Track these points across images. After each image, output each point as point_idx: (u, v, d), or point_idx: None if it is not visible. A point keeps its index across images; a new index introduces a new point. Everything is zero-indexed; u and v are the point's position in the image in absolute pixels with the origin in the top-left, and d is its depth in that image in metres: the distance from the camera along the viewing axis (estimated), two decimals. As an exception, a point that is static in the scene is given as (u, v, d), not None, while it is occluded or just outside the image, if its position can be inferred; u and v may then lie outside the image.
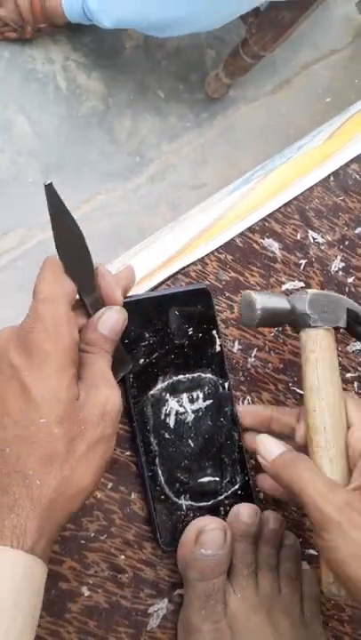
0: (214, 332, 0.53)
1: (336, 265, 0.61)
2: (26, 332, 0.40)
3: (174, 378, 0.52)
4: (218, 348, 0.54)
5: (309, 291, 0.50)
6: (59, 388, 0.39)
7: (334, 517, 0.42)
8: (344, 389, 0.58)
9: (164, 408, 0.52)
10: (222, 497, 0.53)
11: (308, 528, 0.57)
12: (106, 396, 0.41)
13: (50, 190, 0.42)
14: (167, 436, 0.52)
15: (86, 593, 0.49)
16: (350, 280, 0.61)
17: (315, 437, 0.48)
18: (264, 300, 0.49)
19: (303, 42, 1.71)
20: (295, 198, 0.60)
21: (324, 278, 0.60)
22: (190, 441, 0.52)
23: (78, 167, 1.44)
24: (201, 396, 0.53)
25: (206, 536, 0.49)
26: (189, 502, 0.52)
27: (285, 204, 0.60)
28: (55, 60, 1.45)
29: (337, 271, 0.61)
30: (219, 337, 0.54)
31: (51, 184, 0.42)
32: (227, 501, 0.53)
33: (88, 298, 0.45)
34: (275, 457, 0.47)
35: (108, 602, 0.50)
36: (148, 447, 0.51)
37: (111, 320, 0.44)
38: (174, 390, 0.52)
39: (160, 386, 0.52)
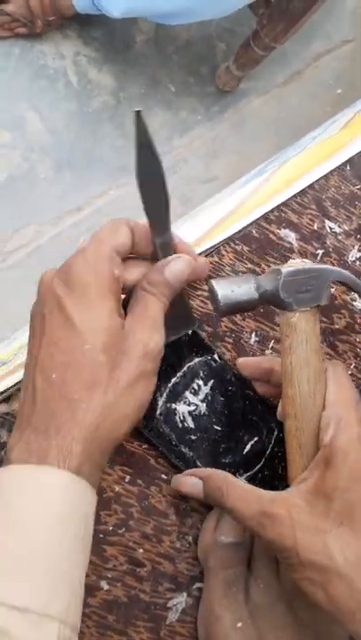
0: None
1: (353, 255, 0.60)
2: (68, 266, 0.42)
3: (169, 385, 0.52)
4: (189, 331, 0.53)
5: (284, 270, 0.45)
6: (100, 316, 0.41)
7: (252, 528, 0.42)
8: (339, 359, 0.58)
9: (177, 417, 0.52)
10: (270, 449, 0.53)
11: (328, 521, 0.56)
12: (150, 335, 0.42)
13: (139, 118, 0.41)
14: (194, 437, 0.52)
15: (105, 587, 0.49)
16: (368, 270, 0.60)
17: (287, 423, 0.46)
18: (226, 292, 0.44)
19: (314, 33, 1.70)
20: (311, 187, 0.59)
21: (341, 268, 0.59)
22: (216, 426, 0.52)
23: (90, 162, 1.44)
24: (201, 383, 0.53)
25: (225, 522, 0.49)
26: (246, 474, 0.52)
27: (301, 194, 0.59)
28: (66, 56, 1.44)
29: (354, 261, 0.60)
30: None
31: (140, 112, 0.41)
32: (276, 449, 0.54)
33: (159, 238, 0.45)
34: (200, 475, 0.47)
35: (127, 596, 0.49)
36: (184, 459, 0.51)
37: (178, 267, 0.45)
38: (176, 395, 0.52)
39: (161, 402, 0.51)
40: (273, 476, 0.54)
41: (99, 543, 0.49)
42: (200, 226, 0.57)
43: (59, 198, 1.39)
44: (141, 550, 0.50)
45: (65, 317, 0.41)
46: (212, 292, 0.45)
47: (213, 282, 0.45)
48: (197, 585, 0.51)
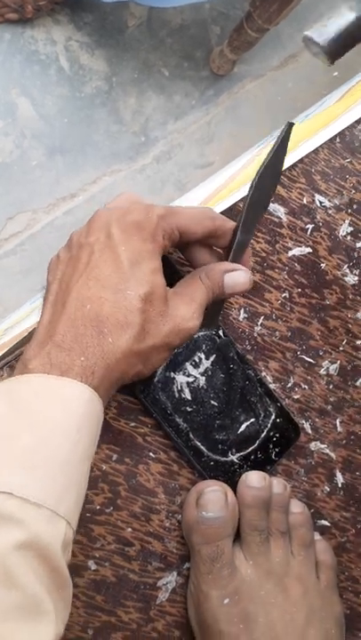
0: None
1: (344, 229, 0.59)
2: (131, 212, 0.44)
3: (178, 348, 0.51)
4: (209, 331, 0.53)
5: None
6: (148, 271, 0.42)
7: None
8: (354, 357, 0.57)
9: (175, 386, 0.51)
10: (265, 433, 0.53)
11: (320, 498, 0.55)
12: (191, 315, 0.44)
13: (289, 131, 0.46)
14: (189, 409, 0.51)
15: (93, 567, 0.48)
16: (359, 244, 0.59)
17: None
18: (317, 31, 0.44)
19: (308, 15, 1.68)
20: (300, 161, 0.58)
21: (331, 243, 0.58)
22: (213, 401, 0.52)
23: (83, 148, 1.42)
24: (203, 356, 0.52)
25: (206, 497, 0.48)
26: (238, 454, 0.52)
27: (290, 168, 0.58)
28: (57, 41, 1.43)
29: (345, 235, 0.59)
30: None
31: (293, 124, 0.46)
32: (271, 434, 0.53)
33: (241, 235, 0.47)
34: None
35: (115, 575, 0.49)
36: (177, 429, 0.51)
37: (238, 280, 0.47)
38: (175, 365, 0.51)
39: (160, 369, 0.51)
40: (266, 459, 0.53)
41: (86, 523, 0.48)
42: (189, 202, 0.56)
43: (52, 185, 1.38)
44: (130, 529, 0.49)
45: (115, 259, 0.42)
46: (309, 45, 0.44)
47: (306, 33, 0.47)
48: (188, 564, 0.51)
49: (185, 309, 0.44)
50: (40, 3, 1.33)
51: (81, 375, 0.39)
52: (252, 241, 0.56)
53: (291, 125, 0.46)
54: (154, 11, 1.51)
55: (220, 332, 0.53)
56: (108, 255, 0.42)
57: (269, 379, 0.55)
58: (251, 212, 0.47)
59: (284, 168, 0.57)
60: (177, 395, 0.51)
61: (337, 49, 0.44)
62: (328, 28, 0.44)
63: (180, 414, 0.51)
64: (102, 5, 1.39)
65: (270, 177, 0.47)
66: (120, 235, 0.43)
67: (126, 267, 0.42)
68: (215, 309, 0.48)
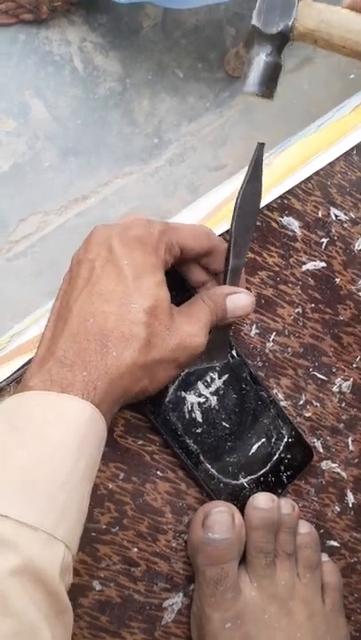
0: None
1: (360, 243, 0.58)
2: (131, 228, 0.43)
3: (182, 373, 0.50)
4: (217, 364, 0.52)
5: None
6: (152, 284, 0.42)
7: None
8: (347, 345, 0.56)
9: (185, 407, 0.50)
10: (277, 455, 0.52)
11: (330, 519, 0.54)
12: (195, 331, 0.43)
13: (260, 151, 0.46)
14: (200, 430, 0.50)
15: (98, 587, 0.47)
16: (374, 259, 0.58)
17: None
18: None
19: (326, 17, 1.66)
20: (316, 174, 0.57)
21: (347, 257, 0.57)
22: (224, 422, 0.51)
23: (96, 150, 1.42)
24: (215, 376, 0.51)
25: (212, 519, 0.48)
26: (249, 477, 0.51)
27: (305, 180, 0.57)
28: (71, 42, 1.42)
29: None
30: None
31: (263, 145, 0.46)
32: (283, 456, 0.52)
33: (234, 260, 0.47)
34: None
35: (120, 596, 0.48)
36: (187, 450, 0.50)
37: (240, 302, 0.47)
38: (187, 385, 0.50)
39: (171, 389, 0.50)
40: (277, 482, 0.52)
41: (91, 542, 0.47)
42: (198, 212, 0.55)
43: (64, 187, 1.37)
44: (136, 549, 0.48)
45: (118, 273, 0.42)
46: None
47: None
48: (194, 585, 0.50)
49: (191, 326, 0.43)
50: (55, 4, 1.32)
51: (82, 391, 0.38)
52: (264, 255, 0.55)
53: (262, 146, 0.46)
54: (168, 12, 1.50)
55: (234, 352, 0.52)
56: (110, 270, 0.42)
57: (281, 396, 0.54)
58: (239, 238, 0.47)
59: (299, 181, 0.56)
60: (188, 415, 0.50)
61: (269, 88, 0.50)
62: (251, 78, 0.50)
63: (191, 435, 0.50)
64: (117, 6, 1.38)
65: (251, 199, 0.47)
66: (122, 249, 0.42)
67: (130, 280, 0.41)
68: (222, 340, 0.48)
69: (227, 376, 0.52)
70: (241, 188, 0.46)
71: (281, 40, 0.48)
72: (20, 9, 1.33)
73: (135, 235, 0.43)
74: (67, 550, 0.35)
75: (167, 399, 0.50)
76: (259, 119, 1.56)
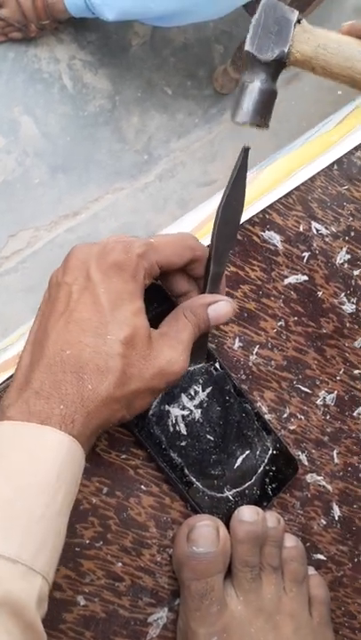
0: None
1: (341, 257, 0.58)
2: (110, 252, 0.42)
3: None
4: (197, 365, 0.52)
5: None
6: (129, 314, 0.41)
7: None
8: (352, 387, 0.56)
9: (169, 420, 0.50)
10: (262, 468, 0.52)
11: (316, 532, 0.54)
12: (175, 358, 0.43)
13: (245, 157, 0.45)
14: (184, 443, 0.50)
15: (82, 602, 0.47)
16: (357, 272, 0.59)
17: None
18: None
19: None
20: (297, 189, 0.58)
21: (328, 271, 0.58)
22: (208, 435, 0.51)
23: (86, 167, 1.43)
24: (198, 389, 0.51)
25: (197, 532, 0.48)
26: (234, 490, 0.51)
27: (287, 195, 0.57)
28: (60, 60, 1.43)
29: (342, 263, 0.58)
30: None
31: (248, 149, 0.45)
32: (268, 469, 0.52)
33: (215, 268, 0.46)
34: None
35: (105, 611, 0.48)
36: (172, 464, 0.50)
37: (222, 311, 0.46)
38: (171, 398, 0.50)
39: (155, 402, 0.50)
40: (262, 495, 0.52)
41: (75, 557, 0.47)
42: (183, 228, 0.55)
43: (54, 203, 1.38)
44: (120, 564, 0.48)
45: (94, 302, 0.41)
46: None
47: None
48: (179, 600, 0.50)
49: (171, 352, 0.43)
50: (44, 22, 1.33)
51: (60, 424, 0.38)
52: (247, 269, 0.55)
53: (247, 150, 0.45)
54: (157, 30, 1.52)
55: (217, 365, 0.52)
56: (87, 297, 0.41)
57: (265, 409, 0.54)
58: (220, 244, 0.46)
59: (280, 196, 0.57)
60: (172, 429, 0.50)
61: (263, 117, 0.47)
62: (244, 107, 0.47)
63: (175, 449, 0.50)
64: (106, 25, 1.39)
65: (234, 206, 0.46)
66: (99, 276, 0.42)
67: (106, 310, 0.41)
68: (201, 343, 0.48)
69: (210, 389, 0.52)
70: (224, 194, 0.45)
71: (276, 67, 0.46)
72: (8, 27, 1.35)
73: (113, 260, 0.42)
74: (44, 581, 0.35)
75: (151, 412, 0.50)
76: (247, 135, 1.57)
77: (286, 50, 0.44)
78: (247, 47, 0.45)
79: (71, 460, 0.38)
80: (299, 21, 0.44)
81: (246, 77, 0.46)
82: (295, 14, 0.45)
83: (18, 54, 1.39)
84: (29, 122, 1.39)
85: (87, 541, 0.48)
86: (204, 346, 0.50)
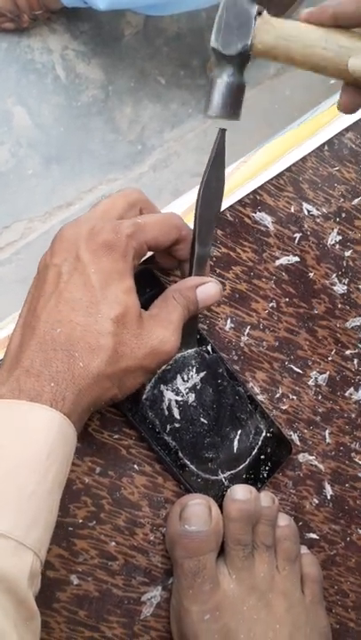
0: None
1: (333, 238, 0.58)
2: (98, 233, 0.42)
3: (158, 370, 0.50)
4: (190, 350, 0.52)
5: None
6: (119, 292, 0.41)
7: None
8: (343, 367, 0.56)
9: (163, 404, 0.50)
10: (256, 450, 0.52)
11: (309, 511, 0.55)
12: (166, 337, 0.43)
13: (222, 137, 0.46)
14: (178, 426, 0.50)
15: (75, 581, 0.47)
16: (348, 253, 0.59)
17: None
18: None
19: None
20: (288, 170, 0.58)
21: (320, 252, 0.58)
22: (202, 418, 0.51)
23: (79, 157, 1.42)
24: (191, 373, 0.51)
25: (189, 511, 0.48)
26: (228, 472, 0.51)
27: (278, 176, 0.58)
28: (53, 50, 1.43)
29: (334, 244, 0.58)
30: None
31: (225, 130, 0.46)
32: (262, 450, 0.53)
33: (199, 249, 0.47)
34: None
35: (98, 590, 0.48)
36: (166, 447, 0.50)
37: (210, 292, 0.47)
38: (164, 382, 0.51)
39: (148, 386, 0.50)
40: (256, 477, 0.52)
41: (68, 536, 0.47)
42: (176, 208, 0.55)
43: (48, 194, 1.38)
44: (113, 543, 0.49)
45: (84, 282, 0.41)
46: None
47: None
48: (173, 579, 0.50)
49: (162, 331, 0.43)
50: (36, 12, 1.33)
51: (51, 401, 0.38)
52: (238, 250, 0.55)
53: (223, 131, 0.46)
54: (150, 19, 1.51)
55: (209, 348, 0.52)
56: (77, 278, 0.41)
57: (257, 389, 0.54)
58: (204, 226, 0.46)
59: (271, 177, 0.57)
60: (166, 412, 0.50)
61: (233, 109, 0.48)
62: (214, 101, 0.48)
63: (169, 432, 0.50)
64: (98, 14, 1.39)
65: (215, 188, 0.47)
66: (89, 256, 0.42)
67: (97, 289, 0.41)
68: (190, 328, 0.48)
69: (204, 372, 0.52)
70: (203, 176, 0.46)
71: (241, 60, 0.48)
72: (1, 18, 1.34)
73: (103, 240, 0.42)
74: (35, 558, 0.35)
75: (144, 397, 0.50)
76: (241, 124, 1.56)
77: (249, 43, 0.45)
78: (212, 43, 0.47)
79: (63, 437, 0.38)
80: (260, 14, 0.46)
81: (215, 72, 0.47)
82: (255, 7, 0.46)
83: (10, 45, 1.39)
84: (22, 112, 1.39)
85: (80, 521, 0.48)
86: (194, 330, 0.50)
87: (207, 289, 0.47)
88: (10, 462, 0.36)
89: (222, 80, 0.48)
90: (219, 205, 0.48)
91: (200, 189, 0.46)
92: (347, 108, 0.48)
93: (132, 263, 0.43)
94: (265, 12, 0.46)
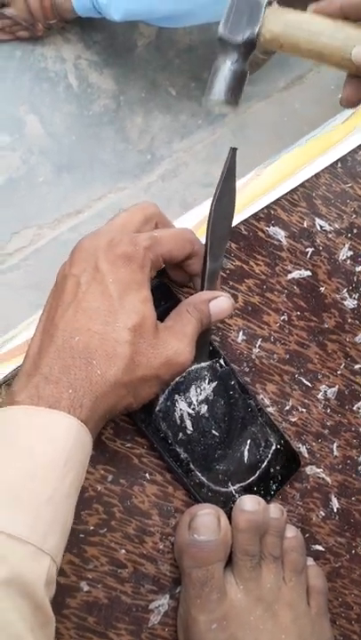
0: None
1: (344, 253, 0.59)
2: (117, 244, 0.43)
3: (172, 382, 0.51)
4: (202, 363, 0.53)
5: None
6: (137, 302, 0.42)
7: None
8: (352, 381, 0.57)
9: (176, 415, 0.51)
10: (265, 463, 0.53)
11: (315, 523, 0.55)
12: (181, 349, 0.44)
13: (233, 156, 0.47)
14: (190, 439, 0.51)
15: (85, 588, 0.48)
16: (359, 269, 0.60)
17: None
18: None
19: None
20: (301, 185, 0.59)
21: (331, 267, 0.59)
22: (214, 430, 0.52)
23: (90, 166, 1.43)
24: (204, 385, 0.52)
25: (198, 521, 0.48)
26: (238, 485, 0.52)
27: (291, 192, 0.58)
28: (66, 59, 1.44)
29: (345, 260, 0.59)
30: None
31: (236, 150, 0.47)
32: (271, 463, 0.53)
33: (212, 264, 0.48)
34: None
35: (107, 597, 0.48)
36: (178, 458, 0.50)
37: (223, 306, 0.47)
38: (177, 394, 0.51)
39: (161, 398, 0.51)
40: (265, 490, 0.53)
41: (79, 543, 0.48)
42: (187, 223, 0.56)
43: (58, 201, 1.39)
44: (123, 551, 0.49)
45: (103, 291, 0.42)
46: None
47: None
48: (180, 587, 0.50)
49: (177, 343, 0.44)
50: (51, 21, 1.35)
51: (69, 408, 0.38)
52: (251, 263, 0.56)
53: (234, 150, 0.47)
54: (163, 31, 1.53)
55: (222, 361, 0.53)
56: (95, 287, 0.42)
57: (267, 401, 0.55)
58: (215, 241, 0.47)
59: (285, 192, 0.58)
60: (178, 424, 0.51)
61: (234, 95, 0.50)
62: (216, 86, 0.49)
63: (181, 444, 0.51)
64: (112, 25, 1.40)
65: (226, 204, 0.48)
66: (108, 266, 0.42)
67: (115, 299, 0.42)
68: (203, 341, 0.49)
69: (215, 385, 0.52)
70: (215, 192, 0.47)
71: (247, 47, 0.48)
72: (16, 26, 1.36)
73: (122, 252, 0.43)
74: (52, 563, 0.36)
75: (157, 408, 0.50)
76: (250, 137, 1.58)
77: (256, 30, 0.47)
78: (220, 31, 0.48)
79: (80, 444, 0.39)
80: (270, 3, 0.47)
81: (218, 61, 0.49)
82: None
83: (25, 53, 1.40)
84: (35, 120, 1.40)
85: (91, 528, 0.48)
86: (206, 343, 0.51)
87: (220, 303, 0.47)
88: (29, 468, 0.37)
89: (226, 66, 0.49)
90: (230, 221, 0.49)
91: (212, 205, 0.47)
92: (350, 102, 0.49)
93: (150, 275, 0.44)
94: (275, 3, 0.47)
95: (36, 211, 1.37)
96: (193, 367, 0.52)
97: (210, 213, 0.47)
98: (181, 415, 0.51)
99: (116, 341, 0.41)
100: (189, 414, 0.51)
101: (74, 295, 0.42)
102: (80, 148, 1.43)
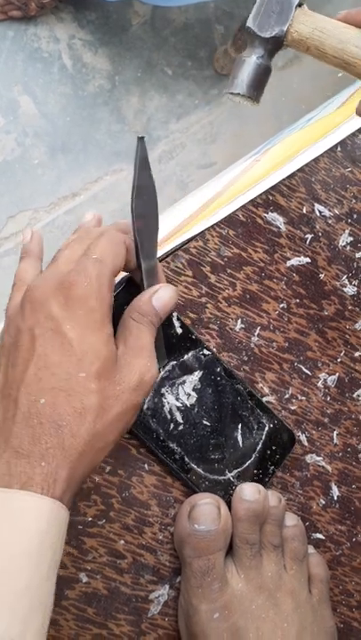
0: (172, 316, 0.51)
1: (344, 239, 0.58)
2: (70, 286, 0.40)
3: (157, 379, 0.50)
4: (179, 330, 0.51)
5: None
6: (99, 344, 0.40)
7: None
8: (352, 369, 0.56)
9: (165, 411, 0.50)
10: (261, 445, 0.53)
11: (315, 512, 0.55)
12: (147, 366, 0.42)
13: (142, 144, 0.43)
14: (182, 432, 0.50)
15: (84, 579, 0.48)
16: (359, 255, 0.59)
17: None
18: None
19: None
20: (300, 170, 0.58)
21: (331, 253, 0.58)
22: (205, 420, 0.51)
23: (85, 147, 1.42)
24: (190, 377, 0.51)
25: (198, 510, 0.48)
26: (236, 471, 0.52)
27: (290, 177, 0.57)
28: (60, 39, 1.42)
29: (345, 246, 0.58)
30: (176, 318, 0.51)
31: (143, 138, 0.44)
32: (266, 444, 0.53)
33: (145, 263, 0.45)
34: None
35: (107, 588, 0.48)
36: (172, 454, 0.50)
37: (166, 297, 0.44)
38: (163, 389, 0.50)
39: (148, 396, 0.50)
40: (263, 472, 0.52)
41: (78, 535, 0.48)
42: (185, 209, 0.55)
43: (53, 184, 1.38)
44: (122, 542, 0.49)
45: (62, 342, 0.39)
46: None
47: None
48: (180, 577, 0.50)
49: (139, 362, 0.42)
50: (44, 0, 1.32)
51: (42, 485, 0.36)
52: (249, 250, 0.55)
53: (142, 139, 0.44)
54: (158, 9, 1.50)
55: (205, 350, 0.52)
56: (54, 340, 0.39)
57: (266, 390, 0.54)
58: (144, 239, 0.45)
59: (284, 177, 0.57)
60: (168, 419, 0.50)
61: (256, 91, 0.49)
62: (239, 79, 0.49)
63: (173, 439, 0.50)
64: (106, 4, 1.38)
65: (148, 197, 0.45)
66: (63, 313, 0.40)
67: (75, 347, 0.39)
68: (157, 344, 0.46)
69: (202, 374, 0.52)
70: (133, 189, 0.43)
71: (274, 44, 0.48)
72: (8, 5, 1.33)
73: (76, 294, 0.40)
74: None
75: (145, 407, 0.50)
76: (248, 116, 1.57)
77: (285, 29, 0.47)
78: (249, 23, 0.48)
79: (56, 524, 0.37)
80: (300, 5, 0.47)
81: (245, 53, 0.48)
82: None
83: (17, 33, 1.38)
84: (29, 101, 1.38)
85: (90, 519, 0.48)
86: (160, 343, 0.49)
87: (161, 295, 0.45)
88: (2, 558, 0.35)
89: (251, 60, 0.49)
90: (156, 216, 0.46)
91: (132, 203, 0.44)
92: None
93: (109, 303, 0.42)
94: (305, 5, 0.47)
95: (32, 193, 1.36)
96: (188, 355, 0.51)
97: (131, 212, 0.44)
98: (170, 409, 0.50)
99: (82, 395, 0.39)
100: (178, 407, 0.51)
101: (32, 351, 0.39)
102: (75, 130, 1.41)
